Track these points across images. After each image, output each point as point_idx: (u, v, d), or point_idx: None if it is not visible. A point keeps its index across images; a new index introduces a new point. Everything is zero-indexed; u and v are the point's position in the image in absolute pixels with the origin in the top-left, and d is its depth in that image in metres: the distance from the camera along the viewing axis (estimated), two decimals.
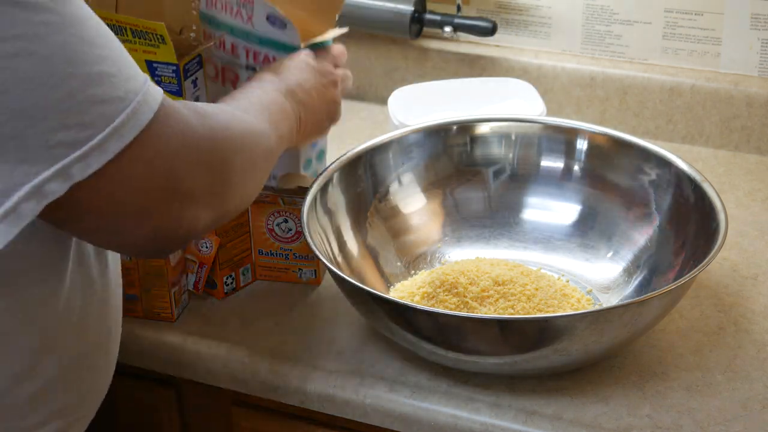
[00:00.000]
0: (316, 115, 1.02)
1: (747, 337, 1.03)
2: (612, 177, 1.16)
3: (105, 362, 0.90)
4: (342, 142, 1.41)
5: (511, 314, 1.01)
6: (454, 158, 1.20)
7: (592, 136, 1.17)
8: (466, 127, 1.21)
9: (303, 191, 1.08)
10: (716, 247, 0.96)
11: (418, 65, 1.51)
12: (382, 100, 1.38)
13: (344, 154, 1.14)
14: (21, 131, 0.68)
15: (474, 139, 1.21)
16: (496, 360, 0.96)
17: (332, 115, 1.06)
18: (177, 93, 1.10)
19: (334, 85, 1.06)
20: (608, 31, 1.42)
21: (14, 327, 0.79)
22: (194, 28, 1.15)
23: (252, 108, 0.91)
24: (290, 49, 1.08)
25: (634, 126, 1.41)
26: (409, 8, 1.45)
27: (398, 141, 1.18)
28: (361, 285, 0.96)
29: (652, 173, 1.13)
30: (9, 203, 0.70)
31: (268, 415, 1.07)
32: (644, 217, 1.12)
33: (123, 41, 1.09)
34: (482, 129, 1.21)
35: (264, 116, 0.91)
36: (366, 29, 1.49)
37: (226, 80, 1.21)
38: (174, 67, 1.09)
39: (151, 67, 1.09)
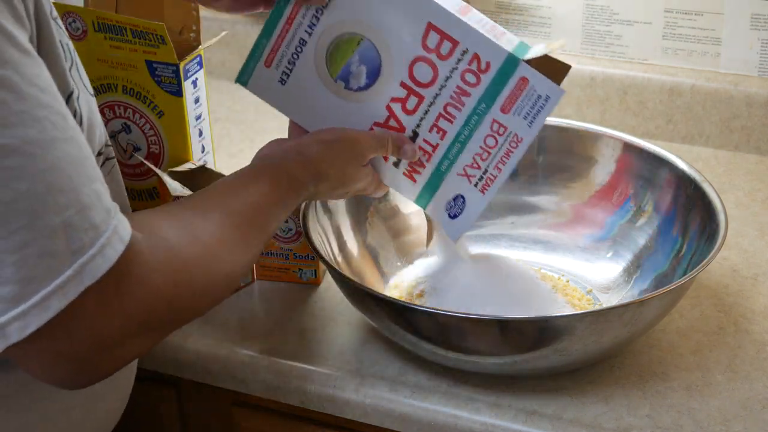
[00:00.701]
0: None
1: (747, 337, 1.03)
2: (612, 177, 1.16)
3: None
4: None
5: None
6: None
7: (592, 136, 1.17)
8: None
9: None
10: (716, 247, 0.96)
11: None
12: None
13: None
14: None
15: None
16: (496, 360, 0.96)
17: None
18: (177, 93, 1.10)
19: (353, 144, 0.96)
20: (608, 31, 1.42)
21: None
22: (194, 28, 1.15)
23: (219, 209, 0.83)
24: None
25: (634, 126, 1.41)
26: None
27: None
28: (361, 285, 0.96)
29: (652, 173, 1.13)
30: None
31: (268, 415, 1.07)
32: (644, 217, 1.12)
33: (123, 42, 1.09)
34: None
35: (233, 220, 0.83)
36: None
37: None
38: (174, 68, 1.09)
39: (150, 68, 1.09)
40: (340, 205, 1.13)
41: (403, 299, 1.05)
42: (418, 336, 0.96)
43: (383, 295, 0.95)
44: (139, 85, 1.11)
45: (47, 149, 0.67)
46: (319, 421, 1.04)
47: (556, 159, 1.19)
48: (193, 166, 1.16)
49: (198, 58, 1.13)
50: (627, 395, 0.96)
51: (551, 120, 1.21)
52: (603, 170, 1.17)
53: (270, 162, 0.91)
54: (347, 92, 0.97)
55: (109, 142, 0.87)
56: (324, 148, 0.93)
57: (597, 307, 1.06)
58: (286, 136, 1.00)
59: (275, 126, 1.32)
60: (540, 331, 0.93)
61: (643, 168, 1.13)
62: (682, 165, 1.10)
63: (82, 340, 0.69)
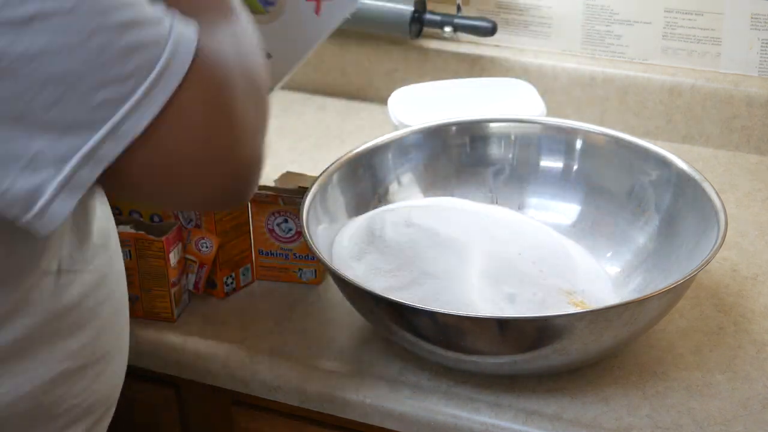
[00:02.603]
0: None
1: (747, 337, 1.03)
2: (612, 177, 1.16)
3: (121, 357, 0.91)
4: (342, 143, 1.42)
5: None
6: (454, 158, 1.20)
7: (591, 136, 1.17)
8: (465, 128, 1.21)
9: (303, 191, 1.08)
10: (716, 247, 0.96)
11: (418, 65, 1.51)
12: (382, 100, 1.38)
13: (344, 155, 1.14)
14: (59, 97, 0.65)
15: (474, 140, 1.21)
16: (496, 360, 0.96)
17: None
18: None
19: None
20: (608, 31, 1.42)
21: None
22: None
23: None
24: None
25: (634, 126, 1.41)
26: (409, 8, 1.45)
27: (398, 141, 1.18)
28: (361, 285, 0.96)
29: (652, 173, 1.13)
30: (62, 175, 0.67)
31: (268, 415, 1.07)
32: (644, 216, 1.12)
33: None
34: (482, 129, 1.21)
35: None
36: (366, 29, 1.49)
37: None
38: None
39: None
40: (340, 205, 1.13)
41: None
42: (418, 336, 0.96)
43: (383, 295, 0.95)
44: None
45: None
46: (319, 421, 1.04)
47: (556, 159, 1.19)
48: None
49: None
50: (627, 395, 0.96)
51: (552, 120, 1.21)
52: (602, 170, 1.17)
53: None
54: None
55: None
56: None
57: (597, 307, 1.05)
58: None
59: None
60: (540, 331, 0.93)
61: (643, 168, 1.13)
62: (682, 165, 1.10)
63: (196, 136, 0.69)
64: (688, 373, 0.99)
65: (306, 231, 1.02)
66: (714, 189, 1.05)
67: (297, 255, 1.12)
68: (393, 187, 1.17)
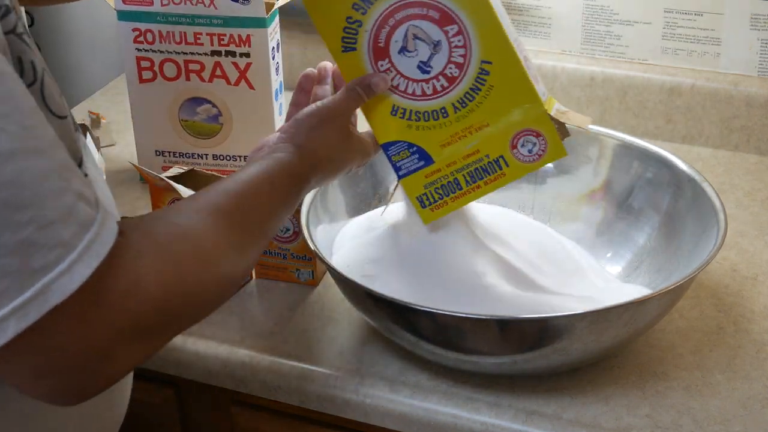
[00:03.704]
0: (328, 152, 0.94)
1: (747, 337, 1.03)
2: (612, 177, 1.16)
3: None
4: None
5: None
6: None
7: (591, 136, 1.17)
8: None
9: None
10: (716, 247, 0.96)
11: None
12: None
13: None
14: None
15: None
16: (496, 360, 0.96)
17: (352, 148, 0.97)
18: None
19: (334, 118, 0.96)
20: (608, 31, 1.42)
21: None
22: None
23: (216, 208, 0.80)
24: (256, 22, 1.07)
25: (634, 126, 1.41)
26: None
27: None
28: (361, 284, 0.96)
29: (652, 173, 1.13)
30: None
31: (268, 415, 1.07)
32: (644, 216, 1.12)
33: None
34: None
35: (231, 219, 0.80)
36: None
37: (191, 73, 1.24)
38: None
39: None
40: (339, 205, 1.13)
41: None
42: (418, 336, 0.96)
43: (383, 295, 0.95)
44: None
45: (6, 162, 0.63)
46: (319, 421, 1.04)
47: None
48: (181, 170, 1.16)
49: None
50: (627, 395, 0.96)
51: None
52: (603, 170, 1.17)
53: (266, 160, 0.90)
54: None
55: (86, 160, 0.82)
56: (312, 132, 0.93)
57: (597, 307, 1.05)
58: None
59: None
60: (540, 331, 0.93)
61: (643, 168, 1.13)
62: (682, 165, 1.10)
63: (60, 356, 0.66)
64: (688, 373, 0.99)
65: (306, 231, 1.02)
66: (714, 189, 1.05)
67: (294, 255, 1.12)
68: (393, 187, 1.17)
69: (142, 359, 0.72)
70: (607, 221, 1.15)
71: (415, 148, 0.99)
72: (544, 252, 1.09)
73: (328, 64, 1.02)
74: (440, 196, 1.01)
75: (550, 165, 1.19)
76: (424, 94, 0.98)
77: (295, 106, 1.01)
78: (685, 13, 1.38)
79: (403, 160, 1.00)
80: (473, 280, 1.01)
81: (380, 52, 0.96)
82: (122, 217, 0.79)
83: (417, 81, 0.97)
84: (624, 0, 1.40)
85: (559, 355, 0.93)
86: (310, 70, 1.02)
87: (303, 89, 1.01)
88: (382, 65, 0.97)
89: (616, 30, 1.42)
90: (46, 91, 0.72)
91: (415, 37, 0.95)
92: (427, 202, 1.01)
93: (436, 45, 0.95)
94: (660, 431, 0.92)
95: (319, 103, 0.96)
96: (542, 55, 1.45)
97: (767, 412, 0.94)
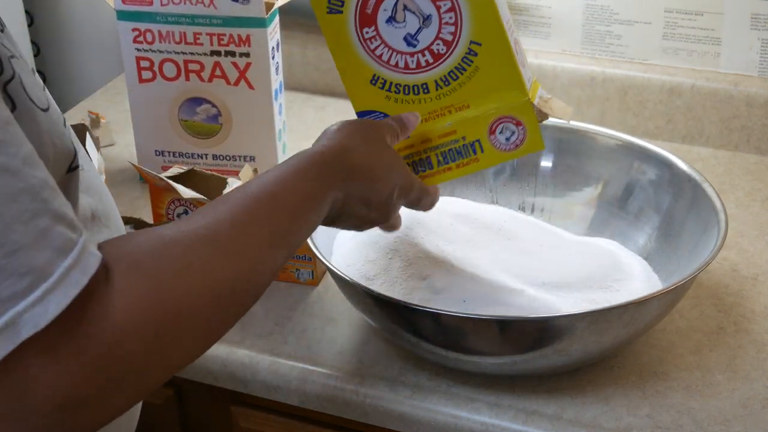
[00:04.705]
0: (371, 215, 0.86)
1: (747, 337, 1.03)
2: (612, 177, 1.16)
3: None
4: None
5: None
6: None
7: (591, 137, 1.17)
8: None
9: None
10: (716, 247, 0.96)
11: None
12: None
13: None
14: None
15: None
16: (496, 360, 0.96)
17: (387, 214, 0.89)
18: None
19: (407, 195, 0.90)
20: (608, 31, 1.42)
21: None
22: None
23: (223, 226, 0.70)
24: (256, 22, 1.07)
25: (634, 126, 1.41)
26: None
27: None
28: (361, 285, 0.96)
29: (652, 173, 1.13)
30: None
31: (268, 415, 1.07)
32: (644, 217, 1.12)
33: None
34: None
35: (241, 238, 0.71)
36: None
37: (191, 73, 1.24)
38: None
39: None
40: None
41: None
42: (418, 336, 0.96)
43: (383, 295, 0.95)
44: None
45: None
46: (319, 421, 1.04)
47: (556, 159, 1.19)
48: (181, 170, 1.16)
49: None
50: (627, 395, 0.96)
51: (551, 120, 1.21)
52: (603, 170, 1.17)
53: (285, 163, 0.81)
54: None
55: (79, 152, 0.77)
56: (343, 136, 0.86)
57: (597, 307, 1.05)
58: None
59: None
60: (540, 331, 0.93)
61: (643, 168, 1.13)
62: (682, 165, 1.10)
63: (33, 399, 0.58)
64: (688, 373, 0.99)
65: None
66: (714, 189, 1.05)
67: (294, 255, 1.12)
68: None
69: (128, 405, 0.64)
70: (607, 221, 1.15)
71: None
72: (545, 249, 1.09)
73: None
74: None
75: (549, 164, 1.19)
76: (407, 67, 0.95)
77: None
78: (685, 13, 1.37)
79: None
80: (475, 279, 1.01)
81: (367, 18, 0.94)
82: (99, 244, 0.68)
83: (402, 53, 0.95)
84: (624, 0, 1.40)
85: (559, 356, 0.93)
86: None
87: None
88: (367, 32, 0.94)
89: (616, 30, 1.42)
90: (26, 85, 0.67)
91: (406, 8, 0.93)
92: None
93: (426, 19, 0.93)
94: (660, 431, 0.92)
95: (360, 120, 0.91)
96: (542, 55, 1.45)
97: (767, 413, 0.94)
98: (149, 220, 1.17)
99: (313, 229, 0.81)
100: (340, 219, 0.86)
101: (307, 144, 1.47)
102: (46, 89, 0.76)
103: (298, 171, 0.80)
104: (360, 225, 0.90)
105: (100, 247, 0.63)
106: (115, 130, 1.47)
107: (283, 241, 0.75)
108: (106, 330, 0.60)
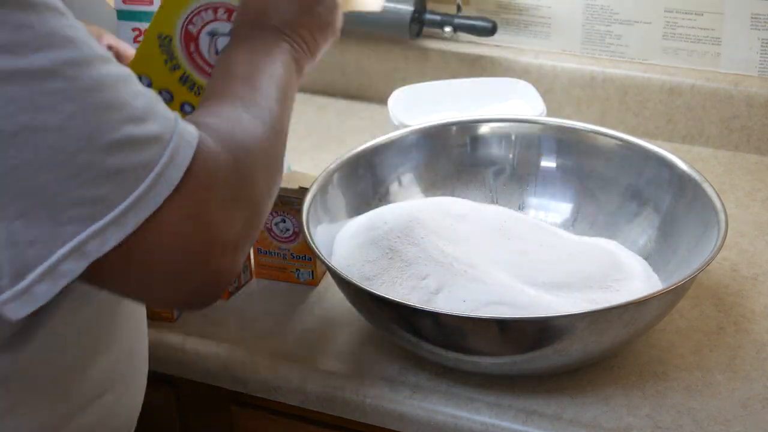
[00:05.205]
0: (321, 31, 0.91)
1: (747, 337, 1.03)
2: (612, 177, 1.16)
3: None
4: (342, 142, 1.42)
5: None
6: (454, 158, 1.20)
7: (591, 137, 1.17)
8: (466, 128, 1.21)
9: (303, 191, 1.08)
10: (716, 247, 0.96)
11: (418, 65, 1.51)
12: (382, 100, 1.38)
13: (344, 154, 1.14)
14: (30, 210, 0.64)
15: (474, 140, 1.21)
16: (496, 360, 0.96)
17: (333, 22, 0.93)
18: None
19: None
20: (608, 31, 1.42)
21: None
22: None
23: (255, 95, 0.81)
24: None
25: (634, 126, 1.41)
26: (409, 8, 1.45)
27: (398, 141, 1.18)
28: (361, 285, 0.96)
29: (652, 173, 1.12)
30: (24, 282, 0.66)
31: (268, 415, 1.07)
32: (644, 217, 1.12)
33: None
34: (482, 129, 1.21)
35: (269, 95, 0.82)
36: (366, 29, 1.49)
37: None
38: None
39: None
40: (339, 206, 1.13)
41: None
42: (418, 336, 0.96)
43: (383, 295, 0.95)
44: None
45: (87, 68, 0.65)
46: (319, 421, 1.04)
47: (556, 159, 1.19)
48: None
49: None
50: (627, 395, 0.96)
51: (551, 120, 1.21)
52: (603, 170, 1.16)
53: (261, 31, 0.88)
54: None
55: None
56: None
57: (597, 307, 1.05)
58: None
59: None
60: (540, 331, 0.93)
61: (643, 168, 1.13)
62: (682, 165, 1.10)
63: (174, 249, 0.68)
64: (688, 373, 0.99)
65: (307, 231, 1.02)
66: (714, 189, 1.05)
67: (294, 255, 1.12)
68: (393, 187, 1.17)
69: (248, 233, 0.74)
70: (607, 221, 1.15)
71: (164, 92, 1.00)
72: (545, 249, 1.09)
73: None
74: None
75: (550, 164, 1.19)
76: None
77: None
78: (685, 13, 1.37)
79: None
80: (475, 279, 1.01)
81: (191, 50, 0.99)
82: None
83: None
84: (624, 0, 1.40)
85: (559, 356, 0.93)
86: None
87: None
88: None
89: (616, 30, 1.42)
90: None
91: (214, 34, 0.98)
92: None
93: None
94: (660, 431, 0.92)
95: None
96: (542, 55, 1.45)
97: (767, 413, 0.94)
98: None
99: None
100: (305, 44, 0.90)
101: (307, 143, 1.47)
102: None
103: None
104: (320, 30, 0.92)
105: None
106: None
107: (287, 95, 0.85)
108: (212, 173, 0.70)
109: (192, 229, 0.69)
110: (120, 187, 0.66)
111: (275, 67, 0.85)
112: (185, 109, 0.99)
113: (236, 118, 0.77)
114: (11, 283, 0.66)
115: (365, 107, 1.53)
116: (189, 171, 0.68)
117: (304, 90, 1.55)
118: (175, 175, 0.68)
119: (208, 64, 0.99)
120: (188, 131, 0.70)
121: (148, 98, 0.69)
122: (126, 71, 0.69)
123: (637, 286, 1.03)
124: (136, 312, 0.89)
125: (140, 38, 1.26)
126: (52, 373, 0.79)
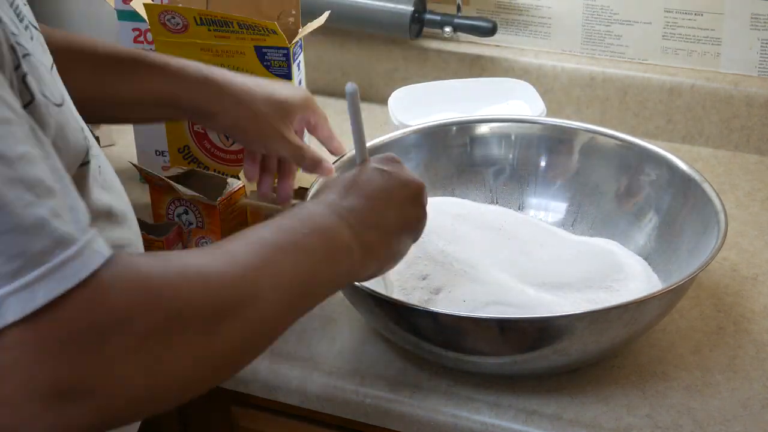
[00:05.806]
0: (388, 236, 0.86)
1: (747, 337, 1.03)
2: (612, 177, 1.16)
3: None
4: (342, 142, 1.41)
5: None
6: (454, 158, 1.20)
7: (591, 137, 1.17)
8: (466, 128, 1.21)
9: (303, 191, 1.08)
10: (716, 247, 0.96)
11: (418, 65, 1.51)
12: (382, 100, 1.38)
13: (344, 154, 1.14)
14: None
15: (474, 140, 1.21)
16: (496, 360, 0.96)
17: (413, 232, 0.89)
18: (287, 76, 1.16)
19: (417, 197, 0.89)
20: (608, 31, 1.42)
21: None
22: (293, 13, 1.19)
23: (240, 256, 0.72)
24: None
25: (634, 126, 1.41)
26: (409, 8, 1.45)
27: (398, 141, 1.18)
28: (361, 285, 0.96)
29: (652, 173, 1.13)
30: None
31: (268, 415, 1.07)
32: (644, 217, 1.12)
33: (229, 32, 1.12)
34: (482, 129, 1.21)
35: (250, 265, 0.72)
36: (366, 29, 1.49)
37: None
38: (285, 51, 1.14)
39: (260, 53, 1.14)
40: None
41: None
42: (418, 336, 0.96)
43: (383, 295, 0.95)
44: (248, 71, 1.13)
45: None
46: (319, 421, 1.04)
47: (556, 159, 1.19)
48: (181, 170, 1.16)
49: (300, 42, 1.16)
50: (627, 395, 0.96)
51: (551, 120, 1.21)
52: (603, 170, 1.17)
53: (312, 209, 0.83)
54: None
55: (95, 148, 0.82)
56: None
57: (597, 307, 1.05)
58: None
59: None
60: (540, 331, 0.93)
61: (643, 168, 1.13)
62: (682, 165, 1.10)
63: (11, 387, 0.58)
64: (688, 373, 0.99)
65: None
66: (714, 189, 1.05)
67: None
68: None
69: (114, 409, 0.63)
70: (607, 221, 1.15)
71: None
72: (545, 249, 1.09)
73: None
74: None
75: (548, 163, 1.19)
76: None
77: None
78: (685, 13, 1.38)
79: None
80: (475, 279, 1.01)
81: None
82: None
83: None
84: (624, 0, 1.40)
85: (559, 356, 0.93)
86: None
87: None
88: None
89: (616, 30, 1.42)
90: (28, 78, 0.67)
91: None
92: None
93: None
94: (660, 431, 0.92)
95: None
96: (542, 55, 1.45)
97: (767, 412, 0.94)
98: (149, 220, 1.17)
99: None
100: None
101: (307, 143, 1.46)
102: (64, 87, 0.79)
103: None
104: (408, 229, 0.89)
105: (115, 252, 0.62)
106: (115, 129, 1.46)
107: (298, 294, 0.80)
108: (95, 323, 0.59)
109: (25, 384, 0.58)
110: None
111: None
112: None
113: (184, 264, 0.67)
114: None
115: (365, 107, 1.51)
116: (51, 307, 0.58)
117: None
118: (27, 306, 0.57)
119: None
120: (91, 260, 0.60)
121: (37, 213, 0.59)
122: (18, 176, 0.59)
123: (637, 286, 1.03)
124: None
125: (140, 38, 1.26)
126: None
